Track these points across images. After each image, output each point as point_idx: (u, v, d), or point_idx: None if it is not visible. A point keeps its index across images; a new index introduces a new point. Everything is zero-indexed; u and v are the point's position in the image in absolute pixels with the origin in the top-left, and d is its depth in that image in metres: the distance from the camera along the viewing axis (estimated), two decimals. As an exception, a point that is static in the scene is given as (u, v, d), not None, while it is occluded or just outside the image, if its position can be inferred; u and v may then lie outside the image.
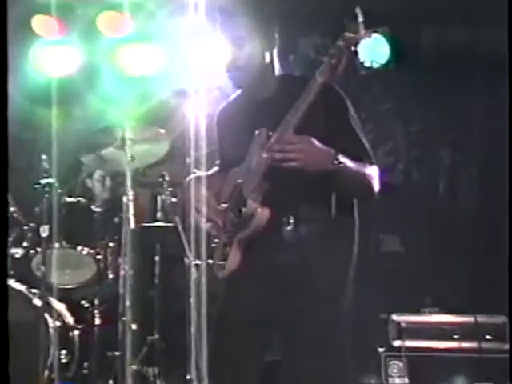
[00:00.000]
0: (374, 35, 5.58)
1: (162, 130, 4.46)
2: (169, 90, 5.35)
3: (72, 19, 5.60)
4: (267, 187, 2.66)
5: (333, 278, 2.66)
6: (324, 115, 2.67)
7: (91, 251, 4.39)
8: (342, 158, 2.59)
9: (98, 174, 5.15)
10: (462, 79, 5.49)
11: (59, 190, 4.34)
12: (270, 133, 2.62)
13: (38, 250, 4.19)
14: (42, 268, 4.02)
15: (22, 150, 5.44)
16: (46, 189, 4.15)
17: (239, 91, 2.85)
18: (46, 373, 3.94)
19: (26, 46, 5.71)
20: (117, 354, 4.17)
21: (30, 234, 4.25)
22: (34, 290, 4.15)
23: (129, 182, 4.27)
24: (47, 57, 5.73)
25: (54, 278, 4.25)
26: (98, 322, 4.46)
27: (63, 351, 4.13)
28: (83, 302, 4.58)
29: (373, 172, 2.72)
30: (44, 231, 4.00)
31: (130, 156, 4.33)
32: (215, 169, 2.97)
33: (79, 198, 4.46)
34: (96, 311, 4.47)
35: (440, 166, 5.72)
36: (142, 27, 5.52)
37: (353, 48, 2.65)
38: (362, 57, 5.62)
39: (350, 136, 2.71)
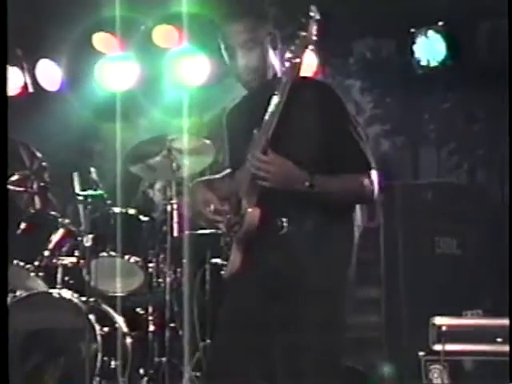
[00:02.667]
0: (430, 33, 5.56)
1: (209, 142, 4.53)
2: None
3: (130, 35, 5.78)
4: (259, 188, 2.68)
5: (329, 280, 2.66)
6: (320, 118, 2.66)
7: (138, 259, 4.49)
8: (317, 181, 2.61)
9: (159, 184, 5.27)
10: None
11: (108, 201, 4.49)
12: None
13: (89, 258, 4.33)
14: (87, 277, 4.15)
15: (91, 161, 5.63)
16: (93, 200, 4.29)
17: (246, 93, 2.87)
18: (97, 379, 4.05)
19: (90, 63, 5.96)
20: (164, 359, 4.26)
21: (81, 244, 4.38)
22: (83, 298, 4.28)
23: (173, 191, 4.36)
24: (110, 72, 5.96)
25: (105, 286, 4.39)
26: (152, 328, 4.57)
27: (113, 358, 4.22)
28: (138, 309, 4.69)
29: (372, 177, 2.71)
30: (87, 241, 4.15)
31: (175, 165, 4.43)
32: (226, 171, 3.01)
33: (129, 209, 4.57)
34: (150, 318, 4.57)
35: (504, 166, 5.54)
36: (196, 39, 5.63)
37: (310, 47, 2.63)
38: (418, 55, 5.55)
39: (346, 141, 2.68)
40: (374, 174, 2.70)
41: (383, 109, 6.06)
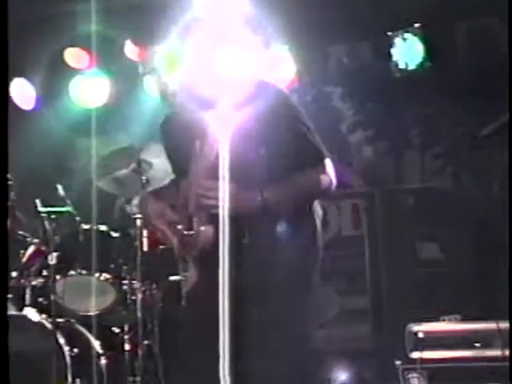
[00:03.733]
0: (406, 35, 5.45)
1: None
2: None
3: (102, 49, 5.69)
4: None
5: (294, 286, 2.57)
6: (272, 120, 2.58)
7: (109, 277, 4.36)
8: (268, 193, 2.56)
9: (136, 200, 5.15)
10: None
11: (77, 218, 4.37)
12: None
13: (58, 277, 4.21)
14: (53, 296, 4.02)
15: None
16: (61, 217, 4.17)
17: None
18: (68, 402, 3.92)
19: (64, 80, 5.87)
20: (138, 379, 4.12)
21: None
22: (58, 319, 4.15)
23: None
24: (84, 88, 5.87)
25: (75, 305, 4.26)
26: (127, 347, 4.43)
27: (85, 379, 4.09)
28: (114, 328, 4.56)
29: (326, 167, 2.64)
30: (52, 259, 4.02)
31: (144, 179, 4.31)
32: (171, 177, 2.93)
33: (98, 226, 4.45)
34: (126, 336, 4.44)
35: (492, 169, 5.41)
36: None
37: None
38: (396, 59, 5.44)
39: (293, 139, 2.61)
40: (328, 164, 2.64)
41: (365, 115, 5.95)
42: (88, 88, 5.86)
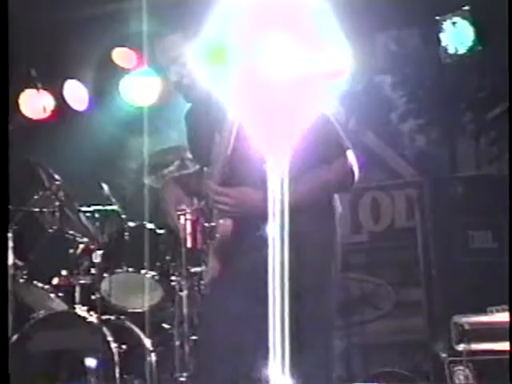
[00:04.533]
0: (455, 19, 5.31)
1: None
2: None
3: (150, 48, 5.72)
4: None
5: (311, 275, 2.53)
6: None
7: (155, 274, 4.39)
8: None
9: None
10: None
11: (123, 216, 4.42)
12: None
13: (105, 275, 4.28)
14: (97, 294, 4.08)
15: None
16: (108, 215, 4.23)
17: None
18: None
19: (114, 79, 5.94)
20: (185, 374, 4.14)
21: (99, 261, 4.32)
22: (105, 317, 4.21)
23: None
24: (135, 87, 5.92)
25: (123, 302, 4.31)
26: (177, 343, 4.45)
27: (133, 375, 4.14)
28: (164, 324, 4.60)
29: (348, 159, 2.62)
30: (96, 257, 4.08)
31: (188, 175, 4.33)
32: (196, 167, 2.93)
33: (144, 222, 4.48)
34: (175, 332, 4.46)
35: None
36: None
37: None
38: (445, 44, 5.31)
39: (313, 131, 2.57)
40: (350, 156, 2.59)
41: (416, 103, 5.82)
42: (138, 87, 5.92)
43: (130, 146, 6.06)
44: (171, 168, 4.43)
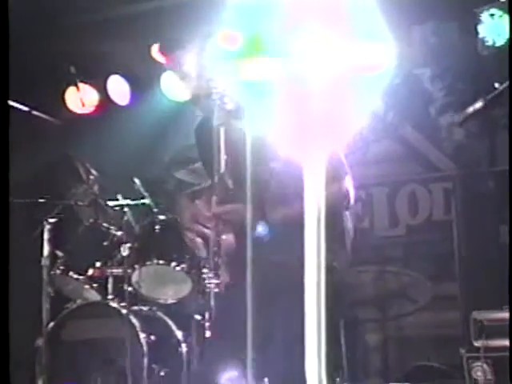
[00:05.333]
0: (493, 11, 5.24)
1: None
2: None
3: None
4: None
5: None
6: None
7: (184, 266, 4.48)
8: (272, 217, 2.68)
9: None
10: None
11: (155, 209, 4.52)
12: None
13: (136, 267, 4.39)
14: (129, 286, 4.19)
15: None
16: (139, 209, 4.34)
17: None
18: (145, 385, 4.09)
19: (156, 74, 6.06)
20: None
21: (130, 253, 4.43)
22: (135, 307, 4.33)
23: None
24: (173, 83, 6.03)
25: (154, 294, 4.42)
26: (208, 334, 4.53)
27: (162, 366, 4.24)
28: (196, 315, 4.68)
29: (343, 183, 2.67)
30: (124, 250, 4.19)
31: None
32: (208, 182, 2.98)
33: (174, 215, 4.57)
34: (207, 324, 4.54)
35: None
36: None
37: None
38: (483, 36, 5.24)
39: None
40: (347, 181, 2.66)
41: (455, 96, 5.76)
42: (178, 82, 6.01)
43: (166, 139, 6.17)
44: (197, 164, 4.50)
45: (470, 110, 3.53)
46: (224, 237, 2.74)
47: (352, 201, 2.75)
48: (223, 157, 2.69)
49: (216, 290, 2.81)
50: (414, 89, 5.90)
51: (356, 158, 4.77)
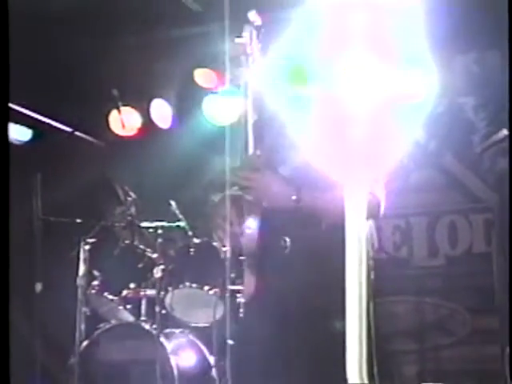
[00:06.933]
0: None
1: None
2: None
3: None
4: (258, 210, 2.63)
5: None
6: None
7: (217, 290, 4.46)
8: (304, 195, 2.60)
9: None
10: None
11: (190, 233, 4.53)
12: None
13: (169, 289, 4.40)
14: (161, 308, 4.19)
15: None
16: (174, 231, 4.36)
17: None
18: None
19: (198, 98, 6.10)
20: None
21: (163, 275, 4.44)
22: (168, 330, 4.33)
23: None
24: (217, 107, 6.06)
25: (187, 317, 4.42)
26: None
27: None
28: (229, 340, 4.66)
29: (377, 190, 2.63)
30: (157, 272, 4.20)
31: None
32: None
33: (207, 239, 4.58)
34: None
35: None
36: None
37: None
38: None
39: None
40: (379, 188, 2.61)
41: (498, 125, 5.68)
42: (220, 106, 6.05)
43: (206, 163, 6.20)
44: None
45: (493, 138, 3.46)
46: (248, 232, 2.69)
47: (381, 210, 2.71)
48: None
49: (241, 298, 2.76)
50: (457, 118, 5.85)
51: (396, 186, 4.72)
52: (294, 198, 2.63)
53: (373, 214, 2.71)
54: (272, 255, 2.69)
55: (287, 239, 2.67)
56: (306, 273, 2.66)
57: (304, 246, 2.67)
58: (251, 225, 2.73)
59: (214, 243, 4.61)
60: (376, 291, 2.74)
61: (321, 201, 2.64)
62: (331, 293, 2.56)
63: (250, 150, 2.95)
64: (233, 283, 4.56)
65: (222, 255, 4.58)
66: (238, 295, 2.83)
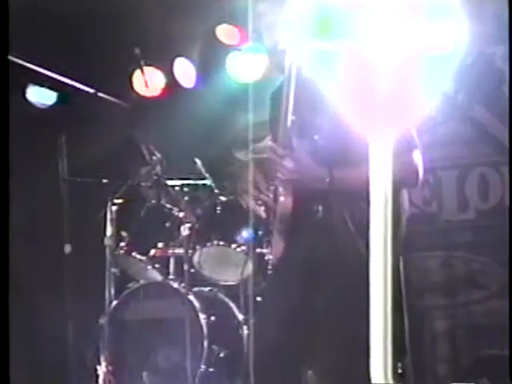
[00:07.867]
0: None
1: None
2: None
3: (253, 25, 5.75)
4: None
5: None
6: None
7: (245, 248, 4.44)
8: (337, 176, 2.58)
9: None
10: None
11: (216, 190, 4.50)
12: None
13: (197, 248, 4.38)
14: (190, 266, 4.18)
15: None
16: (200, 190, 4.33)
17: None
18: (203, 367, 4.08)
19: (221, 56, 6.02)
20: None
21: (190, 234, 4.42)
22: (195, 288, 4.32)
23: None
24: (241, 64, 5.98)
25: (216, 275, 4.40)
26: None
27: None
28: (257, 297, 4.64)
29: (414, 158, 2.63)
30: (184, 230, 4.18)
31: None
32: None
33: (233, 197, 4.54)
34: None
35: None
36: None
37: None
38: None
39: None
40: (416, 155, 2.54)
41: (529, 74, 5.54)
42: (244, 63, 5.96)
43: (230, 121, 6.14)
44: (261, 144, 4.45)
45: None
46: (282, 199, 2.67)
47: (420, 177, 2.64)
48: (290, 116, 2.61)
49: (270, 258, 2.73)
50: (486, 68, 5.71)
51: (424, 139, 4.63)
52: (327, 180, 2.59)
53: (411, 182, 2.66)
54: (304, 220, 2.65)
55: (320, 206, 2.63)
56: (338, 237, 2.62)
57: (336, 214, 2.62)
58: (282, 189, 2.69)
59: (241, 201, 4.58)
60: (406, 247, 2.70)
61: (353, 178, 2.57)
62: (361, 259, 2.51)
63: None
64: (260, 241, 4.57)
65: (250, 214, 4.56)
66: (265, 251, 2.78)
